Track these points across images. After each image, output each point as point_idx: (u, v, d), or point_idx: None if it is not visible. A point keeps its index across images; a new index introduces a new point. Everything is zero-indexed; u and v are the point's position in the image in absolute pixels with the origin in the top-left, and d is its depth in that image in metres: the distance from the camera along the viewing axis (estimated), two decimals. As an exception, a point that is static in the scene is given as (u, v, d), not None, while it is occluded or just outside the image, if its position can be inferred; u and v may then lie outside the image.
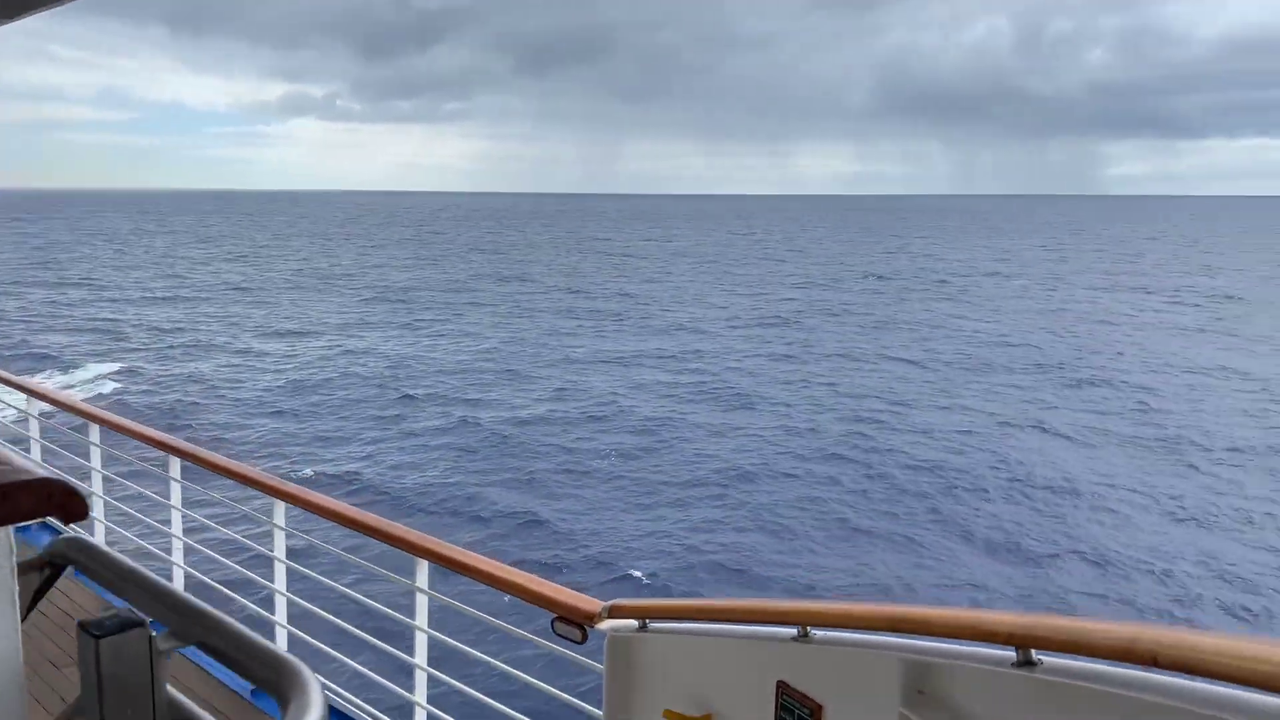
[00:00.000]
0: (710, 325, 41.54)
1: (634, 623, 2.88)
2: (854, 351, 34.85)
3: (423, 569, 3.79)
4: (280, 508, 4.64)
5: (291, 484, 4.59)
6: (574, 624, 3.02)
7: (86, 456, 6.44)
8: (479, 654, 3.56)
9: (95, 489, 6.32)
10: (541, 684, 3.24)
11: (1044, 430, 23.98)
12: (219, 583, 5.33)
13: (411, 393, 27.46)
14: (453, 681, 3.69)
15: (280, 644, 4.28)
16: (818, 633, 2.31)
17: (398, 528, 3.89)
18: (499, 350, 34.45)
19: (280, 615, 4.75)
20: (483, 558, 3.52)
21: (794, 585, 14.28)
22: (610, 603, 2.98)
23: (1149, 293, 55.98)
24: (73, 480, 3.61)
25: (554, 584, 3.21)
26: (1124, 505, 18.77)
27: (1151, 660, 1.54)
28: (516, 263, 75.70)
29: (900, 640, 2.08)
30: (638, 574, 14.75)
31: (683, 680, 2.76)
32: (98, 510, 6.31)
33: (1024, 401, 27.27)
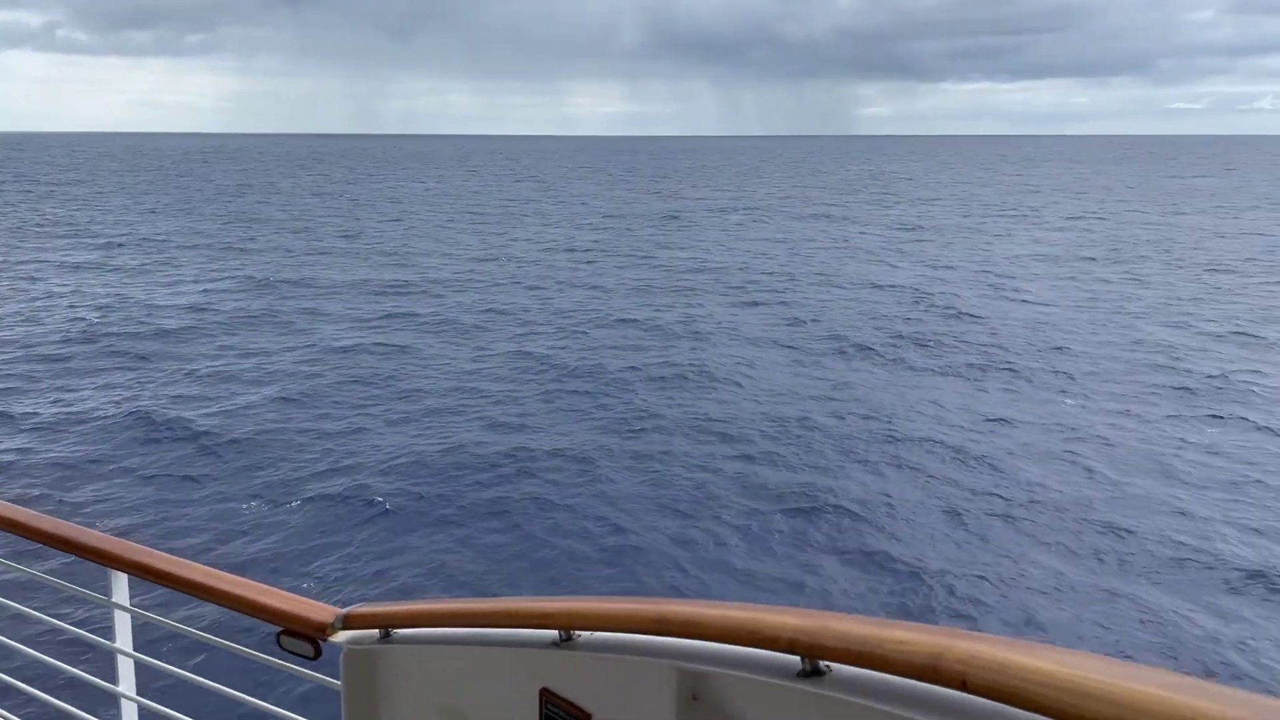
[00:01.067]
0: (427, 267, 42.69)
1: (374, 633, 2.49)
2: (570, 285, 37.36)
3: (120, 583, 3.23)
4: None
5: None
6: (303, 637, 2.61)
7: None
8: (198, 678, 3.02)
9: None
10: (273, 708, 2.77)
11: (699, 336, 27.43)
12: None
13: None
14: (169, 711, 3.12)
15: None
16: (583, 635, 2.04)
17: (89, 535, 3.27)
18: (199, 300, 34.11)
19: None
20: (194, 564, 3.01)
21: (562, 581, 12.97)
22: (345, 610, 2.56)
23: (831, 220, 62.79)
24: None
25: (281, 591, 2.75)
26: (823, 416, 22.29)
27: (960, 684, 1.30)
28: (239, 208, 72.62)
29: (672, 643, 1.85)
30: (385, 574, 13.21)
31: (433, 696, 2.46)
32: None
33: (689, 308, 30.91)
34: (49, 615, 3.51)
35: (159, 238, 49.80)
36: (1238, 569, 13.24)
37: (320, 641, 2.58)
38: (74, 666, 3.36)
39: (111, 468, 16.91)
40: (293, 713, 2.69)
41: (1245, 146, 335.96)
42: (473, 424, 19.43)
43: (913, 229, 56.98)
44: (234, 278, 36.85)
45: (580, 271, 39.89)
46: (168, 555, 3.04)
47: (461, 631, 2.30)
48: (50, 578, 3.51)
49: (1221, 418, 19.72)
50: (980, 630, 1.47)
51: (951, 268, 40.63)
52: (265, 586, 2.78)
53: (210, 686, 2.93)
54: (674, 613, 1.80)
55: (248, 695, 2.86)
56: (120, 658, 3.18)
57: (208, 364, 23.75)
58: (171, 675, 3.07)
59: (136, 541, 3.17)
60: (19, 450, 17.82)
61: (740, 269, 40.31)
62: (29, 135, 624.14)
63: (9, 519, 3.36)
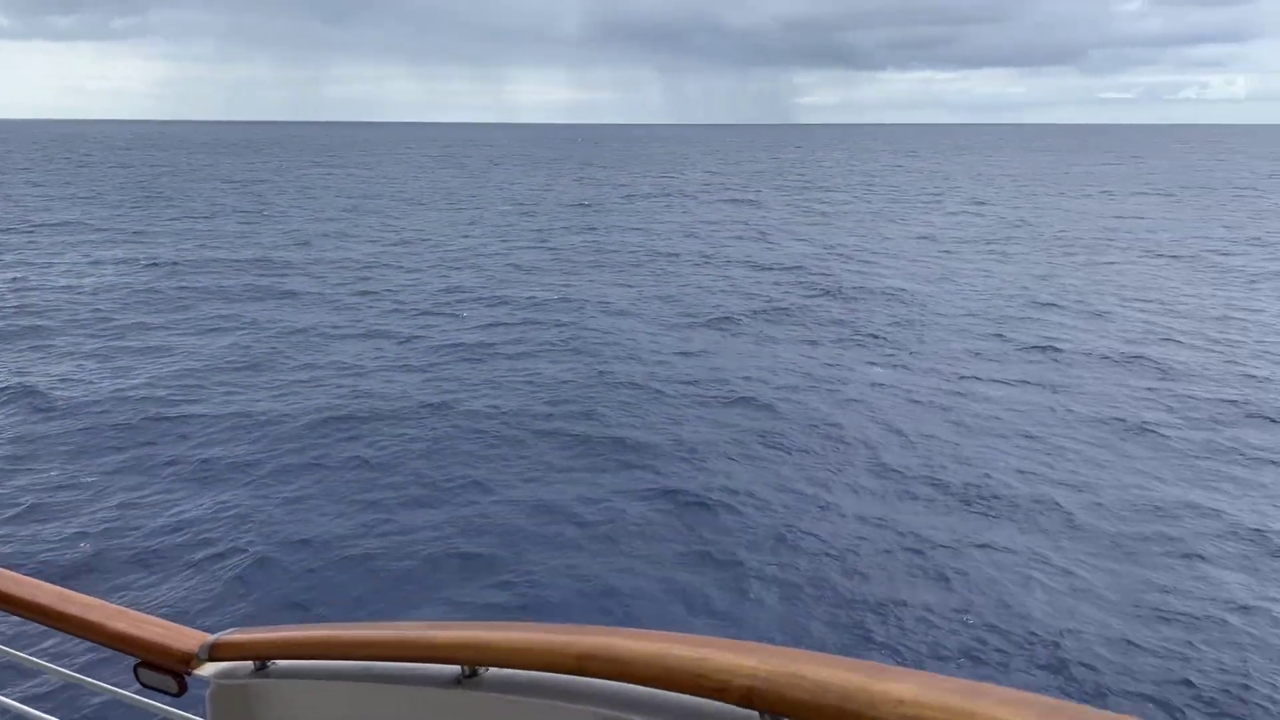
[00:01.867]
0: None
1: (247, 664, 2.14)
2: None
3: None
4: None
5: None
6: (164, 670, 2.23)
7: None
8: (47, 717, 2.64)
9: None
10: None
11: (572, 309, 28.94)
12: None
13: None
14: None
15: None
16: (489, 673, 1.76)
17: None
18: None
19: None
20: (41, 584, 2.58)
21: (466, 605, 11.82)
22: (213, 639, 2.19)
23: (739, 204, 64.82)
24: None
25: (139, 615, 2.37)
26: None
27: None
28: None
29: (596, 685, 1.58)
30: (262, 592, 12.18)
31: None
32: None
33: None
34: None
35: (62, 224, 49.77)
36: (1009, 502, 15.16)
37: (185, 675, 2.16)
38: None
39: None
40: None
41: (1166, 135, 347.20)
42: (349, 412, 18.84)
43: (815, 214, 59.11)
44: (123, 260, 37.38)
45: (475, 254, 41.09)
46: (9, 573, 2.55)
47: (347, 665, 1.96)
48: None
49: (1019, 380, 21.80)
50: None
51: (834, 248, 42.68)
52: (120, 609, 2.34)
53: None
54: (599, 647, 1.54)
55: None
56: None
57: (87, 345, 24.56)
58: (22, 714, 2.57)
59: None
60: None
61: (631, 251, 41.92)
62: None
63: None
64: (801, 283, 33.54)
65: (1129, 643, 10.96)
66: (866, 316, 28.11)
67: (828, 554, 13.07)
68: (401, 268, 36.96)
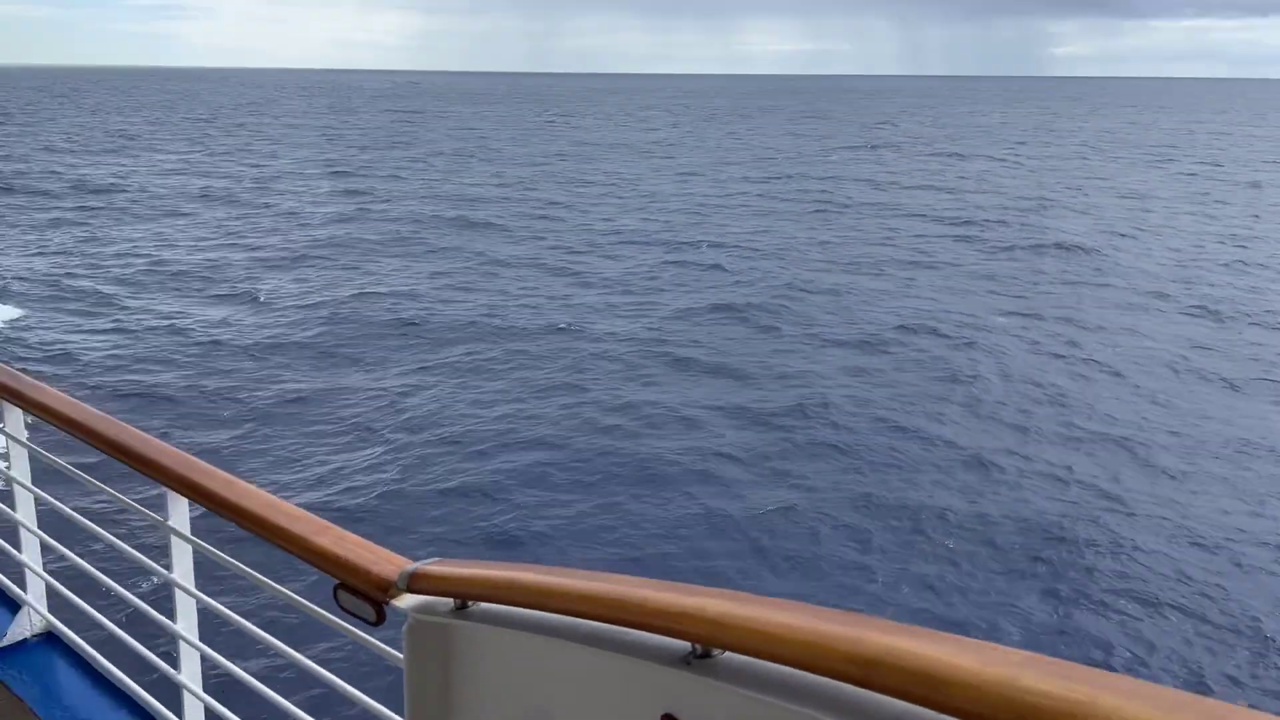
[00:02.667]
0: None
1: (447, 601, 1.84)
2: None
3: (180, 508, 2.72)
4: (14, 410, 3.41)
5: (25, 379, 3.38)
6: (362, 596, 1.98)
7: None
8: (257, 629, 2.50)
9: None
10: (331, 677, 2.22)
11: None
12: None
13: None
14: (229, 665, 2.60)
15: (34, 596, 3.52)
16: (726, 658, 1.38)
17: (148, 444, 2.75)
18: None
19: (28, 554, 3.56)
20: (252, 490, 2.40)
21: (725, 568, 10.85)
22: (412, 568, 1.90)
23: (943, 157, 62.88)
24: None
25: (344, 534, 2.12)
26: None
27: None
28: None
29: (878, 703, 1.16)
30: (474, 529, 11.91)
31: (517, 695, 1.81)
32: None
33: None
34: (110, 532, 3.03)
35: (300, 166, 56.35)
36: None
37: (383, 604, 1.94)
38: (131, 593, 2.90)
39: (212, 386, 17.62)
40: (353, 684, 2.15)
41: None
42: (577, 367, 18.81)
43: (1014, 162, 56.73)
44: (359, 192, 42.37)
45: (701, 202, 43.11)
46: (224, 475, 2.51)
47: (557, 620, 1.63)
48: (109, 489, 2.96)
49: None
50: None
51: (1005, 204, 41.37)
52: (325, 524, 2.19)
53: (269, 641, 2.44)
54: (893, 651, 1.10)
55: (306, 657, 2.35)
56: (179, 594, 2.76)
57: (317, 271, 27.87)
58: (229, 621, 2.58)
59: (214, 462, 2.61)
60: (111, 356, 19.33)
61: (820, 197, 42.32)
62: (240, 70, 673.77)
63: (70, 418, 2.96)
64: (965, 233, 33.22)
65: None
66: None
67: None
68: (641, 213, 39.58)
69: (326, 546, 2.08)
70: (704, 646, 1.41)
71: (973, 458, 14.47)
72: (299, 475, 13.74)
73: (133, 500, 2.91)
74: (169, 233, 32.56)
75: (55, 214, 35.67)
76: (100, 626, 3.10)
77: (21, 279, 25.44)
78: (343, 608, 2.04)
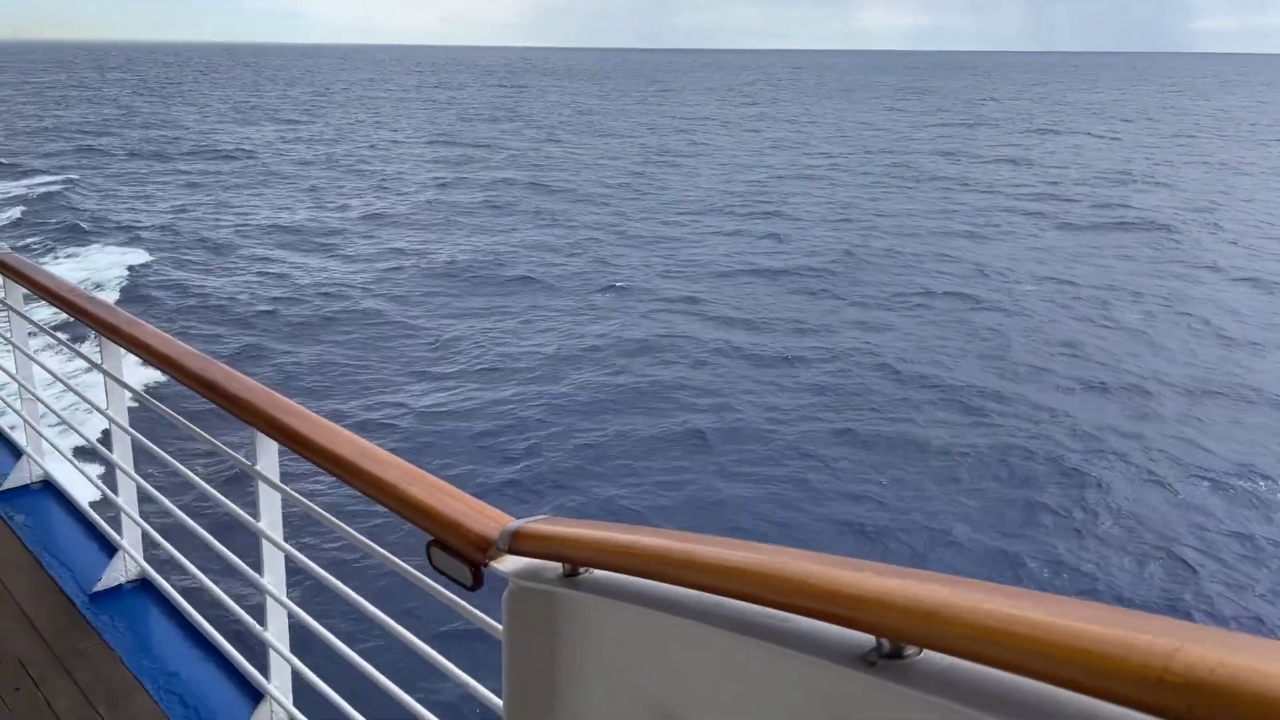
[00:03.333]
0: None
1: (556, 567, 1.55)
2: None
3: (269, 451, 2.48)
4: (113, 347, 3.23)
5: (121, 314, 3.18)
6: (458, 555, 1.72)
7: None
8: (346, 589, 2.25)
9: None
10: (423, 646, 2.02)
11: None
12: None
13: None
14: (315, 625, 2.40)
15: (129, 541, 3.44)
16: (925, 657, 1.05)
17: (236, 380, 2.53)
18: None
19: (124, 498, 3.37)
20: (346, 434, 2.18)
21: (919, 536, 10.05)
22: (515, 526, 1.63)
23: (1042, 133, 62.01)
24: None
25: (439, 483, 1.88)
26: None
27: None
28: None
29: None
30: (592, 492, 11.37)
31: (640, 684, 1.47)
32: None
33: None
34: (202, 476, 2.90)
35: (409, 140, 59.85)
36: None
37: (481, 566, 1.67)
38: (221, 542, 2.79)
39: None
40: (446, 654, 1.97)
41: None
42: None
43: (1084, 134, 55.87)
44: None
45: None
46: (314, 416, 2.29)
47: (698, 598, 1.29)
48: (201, 431, 2.74)
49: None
50: None
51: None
52: (419, 473, 1.94)
53: (356, 601, 2.19)
54: (1237, 672, 0.75)
55: (396, 620, 2.11)
56: (266, 545, 2.55)
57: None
58: (316, 577, 2.33)
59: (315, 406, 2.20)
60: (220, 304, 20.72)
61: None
62: (361, 47, 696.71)
63: (162, 353, 2.79)
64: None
65: None
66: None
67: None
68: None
69: (419, 498, 1.84)
70: (895, 643, 1.05)
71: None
72: (389, 425, 13.87)
73: (223, 443, 2.74)
74: (285, 195, 35.95)
75: (189, 176, 39.55)
76: (192, 576, 3.05)
77: (152, 230, 28.60)
78: (436, 567, 1.79)
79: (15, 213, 30.51)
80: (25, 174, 38.34)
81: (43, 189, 34.90)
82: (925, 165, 45.50)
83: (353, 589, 2.25)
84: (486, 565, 1.68)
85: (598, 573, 1.51)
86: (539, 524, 1.62)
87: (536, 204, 34.18)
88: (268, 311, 20.38)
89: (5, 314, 4.12)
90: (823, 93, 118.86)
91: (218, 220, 30.65)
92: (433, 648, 2.01)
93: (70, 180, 36.88)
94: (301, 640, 2.64)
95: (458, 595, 1.85)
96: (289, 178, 39.94)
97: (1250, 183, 40.63)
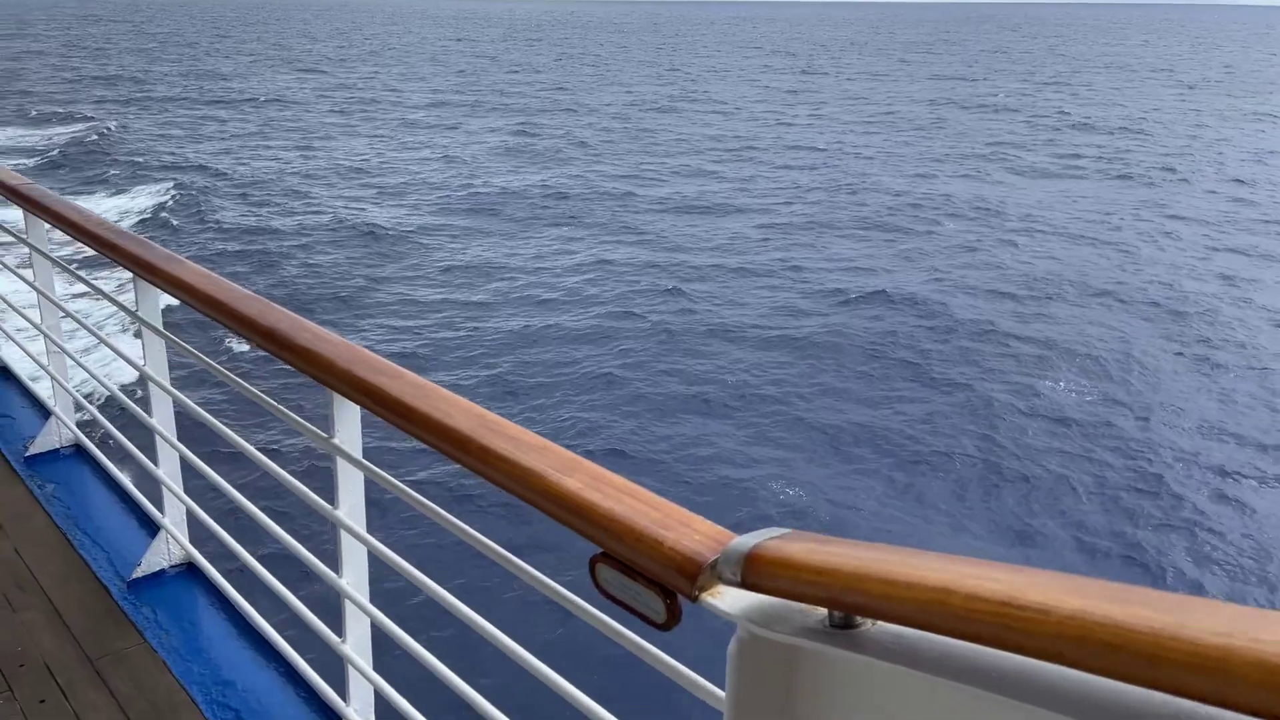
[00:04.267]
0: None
1: (818, 612, 1.02)
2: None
3: (350, 418, 1.99)
4: (150, 289, 2.83)
5: (160, 254, 2.72)
6: (646, 580, 1.18)
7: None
8: (452, 598, 1.73)
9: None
10: (576, 692, 1.43)
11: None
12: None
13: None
14: (412, 643, 1.87)
15: (172, 520, 3.05)
16: None
17: (309, 331, 2.02)
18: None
19: (166, 469, 3.01)
20: (465, 403, 1.61)
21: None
22: (749, 545, 1.06)
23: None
24: None
25: (606, 474, 1.34)
26: None
27: None
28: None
29: None
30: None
31: None
32: None
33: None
34: (260, 446, 2.44)
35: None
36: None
37: (683, 597, 1.14)
38: (283, 527, 2.28)
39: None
40: (604, 702, 1.40)
41: None
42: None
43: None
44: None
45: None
46: (414, 377, 1.72)
47: (1029, 670, 0.86)
48: (259, 391, 2.31)
49: None
50: None
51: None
52: (575, 458, 1.37)
53: (473, 620, 1.63)
54: None
55: (526, 649, 1.53)
56: (345, 537, 2.05)
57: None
58: (414, 582, 1.78)
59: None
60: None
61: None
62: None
63: (212, 298, 2.31)
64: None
65: None
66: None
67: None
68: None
69: (582, 494, 1.25)
70: None
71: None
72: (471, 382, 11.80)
73: (289, 407, 2.18)
74: (334, 139, 36.19)
75: (254, 123, 40.06)
76: (246, 564, 2.53)
77: (223, 175, 28.72)
78: (603, 589, 1.21)
79: (52, 155, 30.92)
80: (71, 120, 38.48)
81: (91, 133, 35.05)
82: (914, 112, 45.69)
83: (459, 598, 1.69)
84: (695, 598, 1.11)
85: (890, 627, 0.97)
86: (790, 544, 1.04)
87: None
88: (307, 251, 19.56)
89: (29, 255, 3.66)
90: (833, 48, 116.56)
91: (282, 163, 30.78)
92: (584, 692, 1.41)
93: (122, 125, 37.38)
94: (387, 654, 2.12)
95: (629, 627, 1.28)
96: (325, 123, 40.53)
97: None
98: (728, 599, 1.09)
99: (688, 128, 41.60)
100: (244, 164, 30.81)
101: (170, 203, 24.31)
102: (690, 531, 1.17)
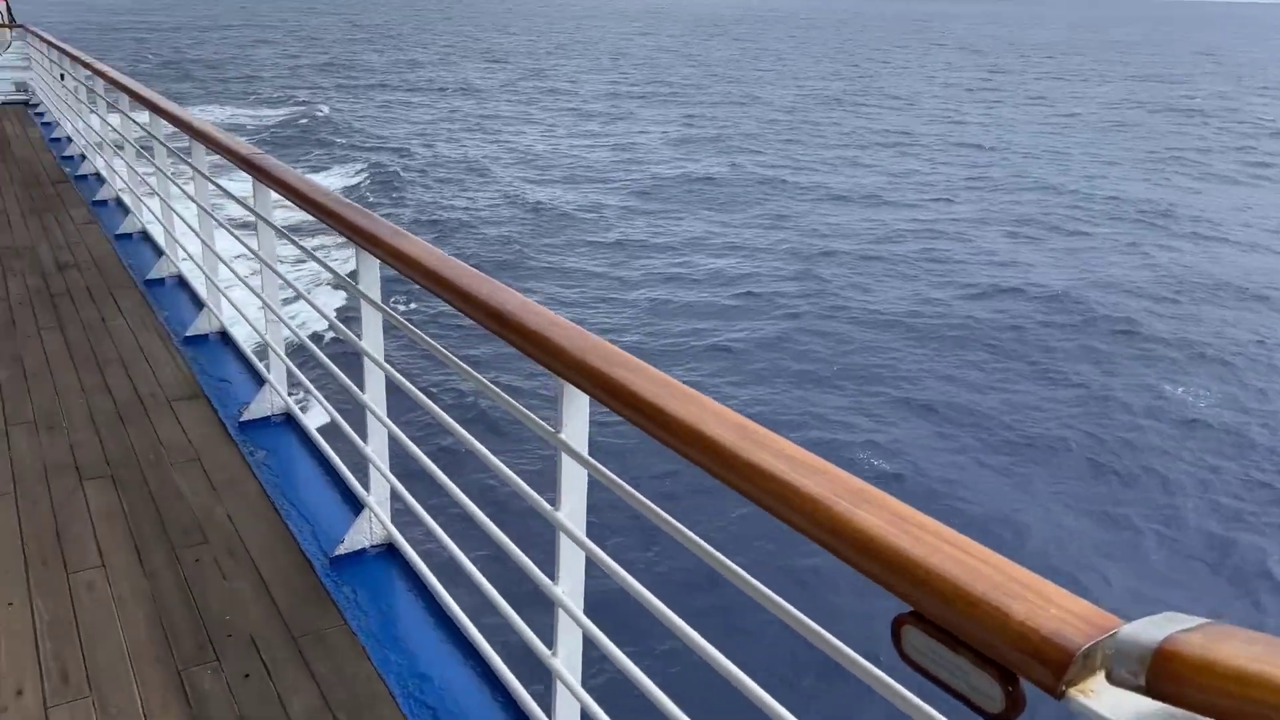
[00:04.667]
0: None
1: None
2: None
3: (579, 412, 1.82)
4: (371, 261, 2.71)
5: (385, 227, 2.59)
6: (978, 655, 0.92)
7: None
8: (687, 628, 1.51)
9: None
10: None
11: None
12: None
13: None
14: (631, 668, 1.69)
15: (376, 499, 2.98)
16: None
17: (538, 314, 1.85)
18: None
19: (374, 447, 2.92)
20: (722, 409, 1.41)
21: None
22: (1161, 638, 0.78)
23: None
24: None
25: (922, 519, 1.07)
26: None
27: None
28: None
29: None
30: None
31: None
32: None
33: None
34: (475, 433, 2.20)
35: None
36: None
37: (1022, 682, 0.91)
38: (493, 520, 2.11)
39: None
40: None
41: None
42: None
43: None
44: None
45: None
46: (659, 374, 1.54)
47: None
48: (479, 375, 2.11)
49: None
50: None
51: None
52: (863, 485, 1.17)
53: (714, 659, 1.43)
54: None
55: (778, 700, 1.33)
56: (564, 541, 1.87)
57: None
58: (636, 598, 1.60)
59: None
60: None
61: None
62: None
63: (436, 273, 2.16)
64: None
65: None
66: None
67: None
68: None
69: (880, 534, 1.05)
70: None
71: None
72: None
73: (510, 394, 1.98)
74: (514, 126, 37.97)
75: (440, 109, 42.92)
76: (451, 554, 2.37)
77: (417, 155, 30.29)
78: (908, 657, 1.00)
79: (263, 135, 33.10)
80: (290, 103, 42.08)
81: (312, 113, 38.13)
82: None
83: (697, 630, 1.46)
84: (1062, 695, 0.86)
85: None
86: (1221, 644, 0.76)
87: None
88: (524, 236, 20.39)
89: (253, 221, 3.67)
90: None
91: (482, 149, 32.20)
92: None
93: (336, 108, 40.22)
94: (600, 677, 2.00)
95: (938, 708, 1.06)
96: (507, 115, 43.67)
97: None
98: (1108, 703, 0.84)
99: (855, 121, 41.79)
100: (430, 146, 32.85)
101: (368, 182, 25.81)
102: (1045, 603, 0.92)
